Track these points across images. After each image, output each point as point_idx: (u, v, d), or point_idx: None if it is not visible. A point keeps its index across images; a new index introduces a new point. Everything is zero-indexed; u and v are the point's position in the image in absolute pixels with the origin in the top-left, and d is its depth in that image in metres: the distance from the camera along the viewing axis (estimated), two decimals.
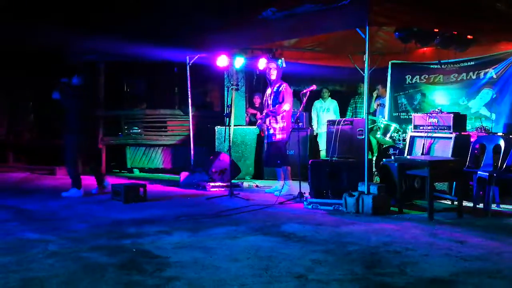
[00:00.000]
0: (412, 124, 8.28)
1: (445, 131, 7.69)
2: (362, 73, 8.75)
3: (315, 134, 10.92)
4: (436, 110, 8.03)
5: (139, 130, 11.87)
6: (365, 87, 7.01)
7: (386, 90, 10.61)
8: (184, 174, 9.57)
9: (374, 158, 9.33)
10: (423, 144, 7.92)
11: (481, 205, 6.70)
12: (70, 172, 8.36)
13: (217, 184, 8.94)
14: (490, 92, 8.70)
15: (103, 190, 8.47)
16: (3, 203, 7.68)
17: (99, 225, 6.07)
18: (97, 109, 11.86)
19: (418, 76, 9.81)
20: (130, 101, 13.24)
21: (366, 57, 6.78)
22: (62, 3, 11.56)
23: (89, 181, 8.75)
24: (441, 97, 9.42)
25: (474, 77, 8.99)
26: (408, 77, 9.94)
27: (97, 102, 11.98)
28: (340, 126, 8.74)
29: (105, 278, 4.07)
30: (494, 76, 8.66)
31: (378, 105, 10.89)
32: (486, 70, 8.79)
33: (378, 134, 9.30)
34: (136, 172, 11.74)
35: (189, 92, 10.03)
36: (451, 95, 9.30)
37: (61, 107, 8.39)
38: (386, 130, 9.18)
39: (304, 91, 8.20)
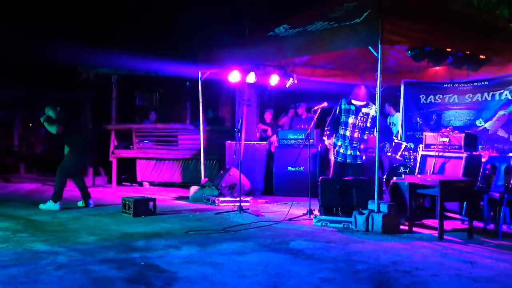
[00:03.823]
0: (423, 143, 8.25)
1: (456, 150, 7.65)
2: (374, 91, 8.77)
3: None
4: (447, 129, 8.00)
5: (150, 144, 11.92)
6: (377, 105, 7.01)
7: (393, 109, 10.60)
8: (194, 189, 9.58)
9: (384, 177, 9.29)
10: (434, 163, 7.88)
11: (491, 226, 6.64)
12: (56, 184, 8.39)
13: (226, 199, 8.93)
14: (507, 113, 8.66)
15: (88, 206, 8.52)
16: (14, 213, 7.74)
17: (108, 238, 6.09)
18: (108, 122, 11.98)
19: (432, 96, 9.79)
20: (141, 115, 13.32)
21: (378, 75, 6.78)
22: (77, 18, 11.71)
23: (77, 192, 8.78)
24: (458, 118, 9.38)
25: (489, 98, 8.95)
26: (423, 96, 9.92)
27: (108, 115, 12.10)
28: None
29: None
30: (510, 97, 8.62)
31: (388, 123, 10.88)
32: (501, 91, 8.75)
33: (389, 153, 9.27)
34: (146, 185, 11.77)
35: (200, 107, 10.08)
36: (468, 116, 9.25)
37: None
38: (396, 149, 9.15)
39: (315, 108, 8.20)
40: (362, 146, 7.84)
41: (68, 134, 8.48)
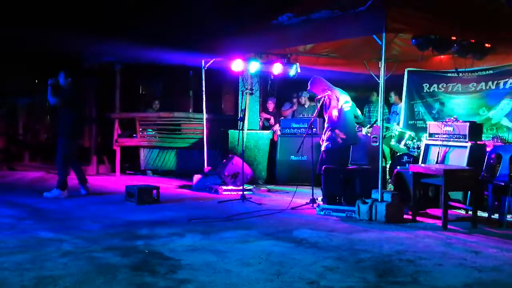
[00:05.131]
0: (427, 132, 8.23)
1: (461, 140, 7.63)
2: (377, 79, 8.74)
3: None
4: (452, 118, 7.97)
5: (153, 132, 11.92)
6: (380, 94, 6.99)
7: (399, 98, 10.57)
8: (197, 177, 9.59)
9: (388, 166, 9.28)
10: (438, 152, 7.86)
11: (496, 216, 6.63)
12: (59, 174, 8.36)
13: (229, 187, 8.95)
14: (511, 102, 8.62)
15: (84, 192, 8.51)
16: (19, 201, 7.77)
17: (112, 226, 6.11)
18: (113, 111, 11.99)
19: (436, 85, 9.75)
20: (145, 103, 13.32)
21: (382, 63, 6.75)
22: (80, 7, 11.68)
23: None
24: (461, 106, 9.33)
25: (493, 87, 8.91)
26: (426, 85, 9.88)
27: (112, 104, 12.10)
28: None
29: (118, 278, 4.10)
30: None
31: (391, 112, 10.87)
32: (506, 80, 8.72)
33: (393, 142, 9.26)
34: (150, 174, 11.79)
35: (203, 96, 10.07)
36: (471, 105, 9.21)
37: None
38: (400, 138, 9.15)
39: (319, 96, 8.18)
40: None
41: (64, 110, 8.32)
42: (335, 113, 7.77)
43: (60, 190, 8.21)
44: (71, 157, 8.46)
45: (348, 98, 7.98)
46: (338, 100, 7.88)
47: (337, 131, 7.73)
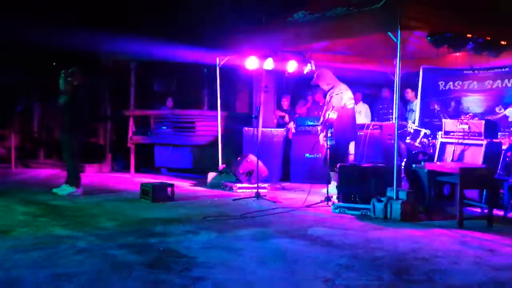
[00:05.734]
0: (443, 130, 8.17)
1: (476, 137, 7.56)
2: (392, 77, 8.69)
3: None
4: (467, 116, 7.90)
5: (168, 130, 11.96)
6: (396, 91, 6.95)
7: (415, 95, 10.49)
8: (211, 175, 9.61)
9: (403, 164, 9.22)
10: (454, 150, 7.80)
11: (511, 214, 6.58)
12: (68, 170, 8.42)
13: (244, 185, 8.95)
14: None
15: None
16: (34, 198, 7.84)
17: (127, 223, 6.14)
18: (127, 108, 12.04)
19: (451, 83, 9.67)
20: (159, 101, 13.37)
21: (397, 61, 6.71)
22: (95, 5, 11.75)
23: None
24: (477, 104, 9.25)
25: (509, 84, 8.82)
26: (441, 83, 9.80)
27: (127, 102, 12.16)
28: (369, 130, 8.68)
29: (133, 276, 4.11)
30: None
31: (408, 110, 10.77)
32: None
33: (408, 139, 9.20)
34: (164, 172, 11.83)
35: (218, 93, 10.07)
36: (487, 103, 9.13)
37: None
38: (415, 135, 9.08)
39: (328, 93, 8.15)
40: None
41: (70, 100, 8.32)
42: (332, 115, 7.79)
43: (71, 186, 8.27)
44: (78, 152, 8.46)
45: (351, 94, 7.97)
46: (342, 98, 7.88)
47: (329, 134, 7.80)
